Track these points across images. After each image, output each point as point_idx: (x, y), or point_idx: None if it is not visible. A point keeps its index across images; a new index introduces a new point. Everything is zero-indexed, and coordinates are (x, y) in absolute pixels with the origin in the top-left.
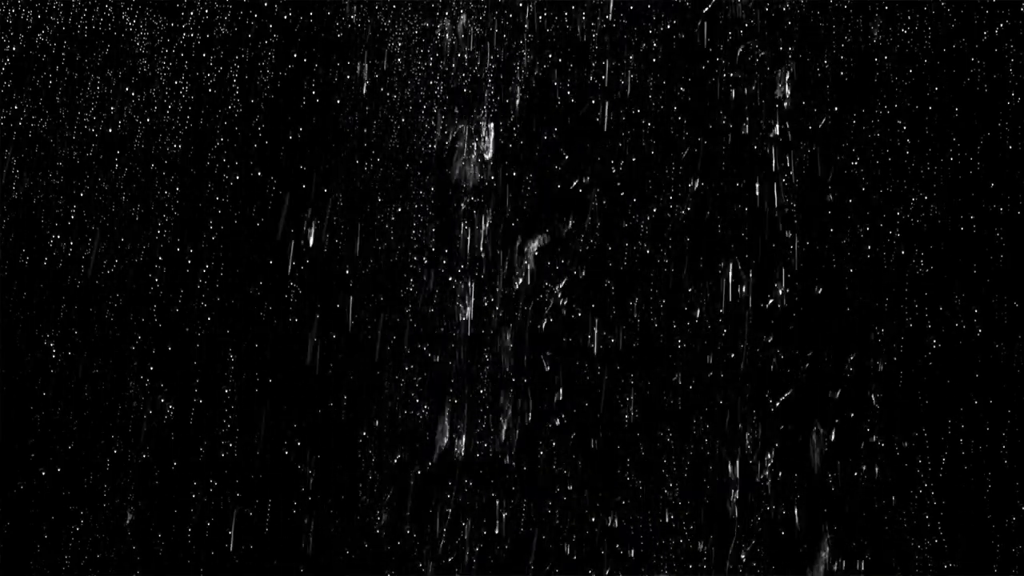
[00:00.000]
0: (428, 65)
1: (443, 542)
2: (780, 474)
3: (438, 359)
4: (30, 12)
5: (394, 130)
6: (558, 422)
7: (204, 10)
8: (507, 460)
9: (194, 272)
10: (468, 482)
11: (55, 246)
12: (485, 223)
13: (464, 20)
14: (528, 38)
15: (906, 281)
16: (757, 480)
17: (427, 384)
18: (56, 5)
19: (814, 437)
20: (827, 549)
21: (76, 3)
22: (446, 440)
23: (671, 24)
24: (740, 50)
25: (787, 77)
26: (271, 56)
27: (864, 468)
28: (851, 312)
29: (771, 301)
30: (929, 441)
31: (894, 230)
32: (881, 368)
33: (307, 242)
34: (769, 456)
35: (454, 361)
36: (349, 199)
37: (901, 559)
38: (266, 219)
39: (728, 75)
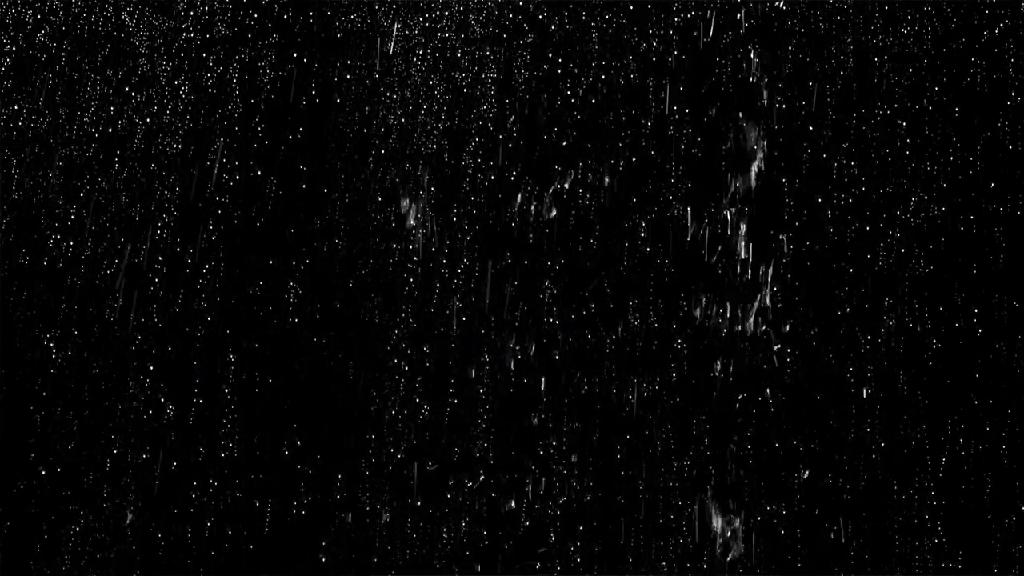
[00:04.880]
0: (428, 65)
1: (443, 541)
2: (780, 474)
3: (438, 358)
4: (30, 12)
5: (394, 130)
6: (558, 422)
7: (204, 10)
8: (508, 461)
9: (194, 272)
10: (468, 483)
11: (55, 246)
12: (486, 223)
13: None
14: (529, 38)
15: (906, 281)
16: (757, 480)
17: (426, 383)
18: (56, 5)
19: (814, 437)
20: (828, 547)
21: (76, 3)
22: (443, 443)
23: (671, 25)
24: (741, 51)
25: (787, 77)
26: (271, 56)
27: (864, 468)
28: (851, 312)
29: (771, 301)
30: (929, 441)
31: (894, 230)
32: (881, 368)
33: (307, 242)
34: (769, 456)
35: (453, 361)
36: (349, 199)
37: (901, 559)
38: (266, 219)
39: (729, 75)
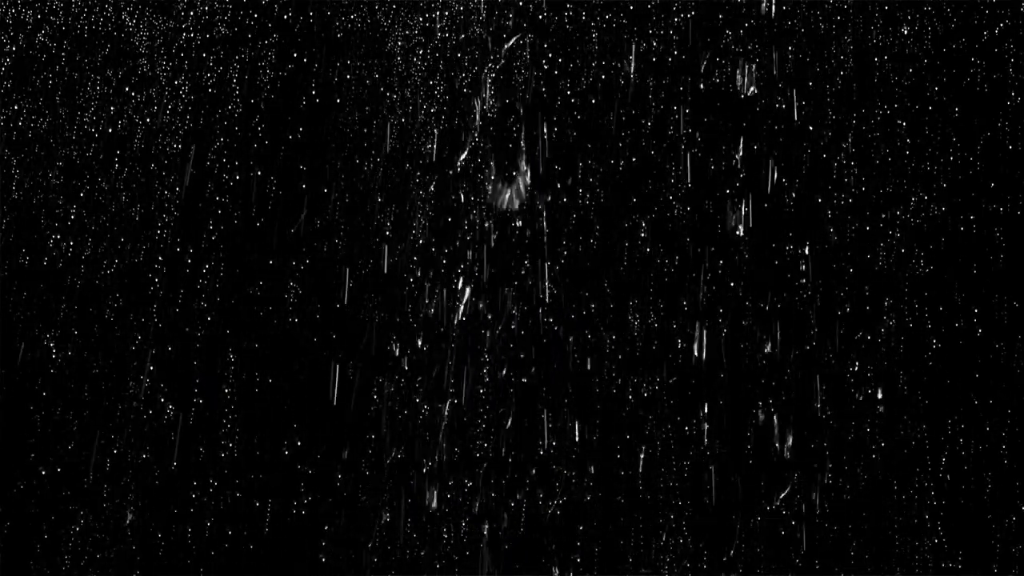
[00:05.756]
0: (428, 65)
1: (443, 541)
2: (780, 474)
3: (438, 358)
4: (30, 12)
5: (394, 130)
6: (558, 422)
7: (204, 10)
8: (507, 461)
9: (194, 272)
10: (467, 482)
11: (55, 246)
12: (485, 223)
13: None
14: (529, 38)
15: (906, 281)
16: (756, 480)
17: (426, 383)
18: (56, 5)
19: (814, 437)
20: (827, 547)
21: (76, 3)
22: (443, 443)
23: (671, 25)
24: (741, 50)
25: (787, 76)
26: (271, 56)
27: (864, 468)
28: (851, 312)
29: (771, 301)
30: (929, 441)
31: (894, 230)
32: (881, 368)
33: (307, 242)
34: (768, 456)
35: (452, 361)
36: (349, 199)
37: (901, 559)
38: (266, 219)
39: (728, 75)
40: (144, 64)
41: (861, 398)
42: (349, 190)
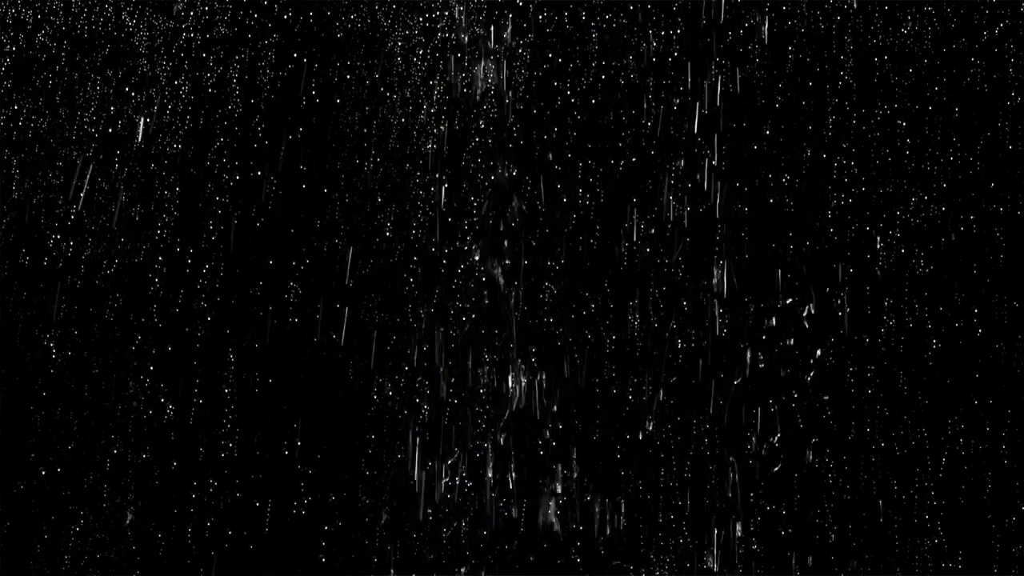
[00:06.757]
0: (428, 65)
1: (443, 540)
2: (780, 474)
3: (437, 358)
4: (30, 12)
5: (394, 130)
6: (559, 422)
7: (204, 10)
8: (506, 462)
9: (194, 272)
10: (468, 483)
11: (55, 246)
12: (486, 223)
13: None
14: (528, 38)
15: (906, 281)
16: (757, 480)
17: (426, 383)
18: (56, 5)
19: (814, 437)
20: (828, 547)
21: (76, 3)
22: (443, 443)
23: (671, 24)
24: (740, 50)
25: (786, 76)
26: (271, 56)
27: (864, 468)
28: (851, 312)
29: (771, 301)
30: (929, 441)
31: (894, 230)
32: (881, 368)
33: (307, 242)
34: (769, 456)
35: (453, 361)
36: (349, 199)
37: (901, 559)
38: (266, 219)
39: (727, 74)
40: (144, 64)
41: (861, 398)
42: (349, 190)
